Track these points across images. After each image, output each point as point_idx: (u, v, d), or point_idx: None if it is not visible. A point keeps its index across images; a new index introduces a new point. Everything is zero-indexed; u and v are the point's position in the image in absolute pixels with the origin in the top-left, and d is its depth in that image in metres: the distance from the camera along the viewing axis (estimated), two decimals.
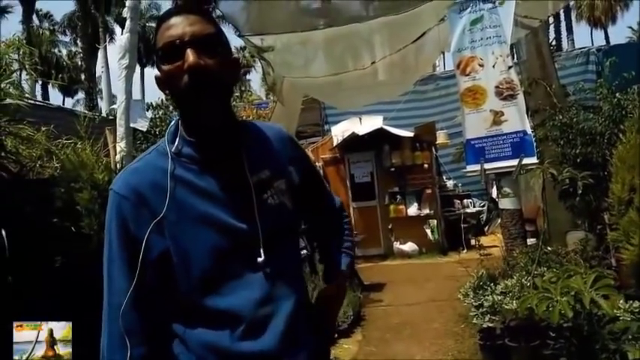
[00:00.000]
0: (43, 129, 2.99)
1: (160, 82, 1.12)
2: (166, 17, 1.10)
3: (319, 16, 6.35)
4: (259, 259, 1.11)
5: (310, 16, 6.39)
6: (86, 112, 11.58)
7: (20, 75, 3.22)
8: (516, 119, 4.57)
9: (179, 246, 1.09)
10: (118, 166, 3.02)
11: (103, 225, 2.59)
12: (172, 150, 1.13)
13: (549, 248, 4.24)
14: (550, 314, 2.73)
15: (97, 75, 30.00)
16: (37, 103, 7.16)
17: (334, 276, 1.40)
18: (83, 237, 2.48)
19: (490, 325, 3.66)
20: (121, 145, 3.13)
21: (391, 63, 6.27)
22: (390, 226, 9.40)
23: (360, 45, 6.16)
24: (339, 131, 9.99)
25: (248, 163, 1.15)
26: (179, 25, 1.07)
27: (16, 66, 3.04)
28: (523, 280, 3.55)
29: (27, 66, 2.93)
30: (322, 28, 6.00)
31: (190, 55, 1.04)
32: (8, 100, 2.41)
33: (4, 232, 2.03)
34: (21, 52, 3.09)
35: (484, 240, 9.21)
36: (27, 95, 2.93)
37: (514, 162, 4.53)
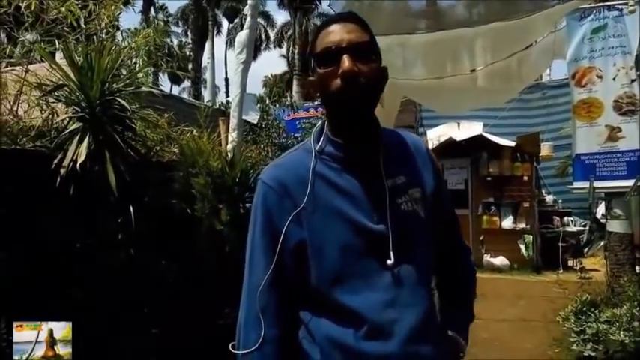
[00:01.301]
0: (166, 115, 3.23)
1: (313, 85, 1.20)
2: (326, 25, 1.18)
3: (423, 18, 6.24)
4: (389, 262, 1.13)
5: (414, 17, 6.30)
6: (193, 100, 12.28)
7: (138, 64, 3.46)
8: (635, 137, 4.28)
9: (314, 238, 1.15)
10: (230, 155, 3.18)
11: (213, 210, 2.77)
12: (316, 148, 1.20)
13: None
14: None
15: (202, 65, 31.63)
16: (164, 92, 7.73)
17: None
18: (195, 220, 2.66)
19: (591, 353, 3.45)
20: (232, 136, 3.30)
21: (493, 70, 6.04)
22: (481, 238, 9.06)
23: (464, 50, 5.98)
24: (435, 135, 9.79)
25: (385, 167, 1.19)
26: (337, 33, 1.14)
27: (145, 57, 3.31)
28: (634, 311, 3.30)
29: (159, 57, 3.17)
30: (426, 31, 5.90)
31: (346, 61, 1.10)
32: (143, 88, 2.63)
33: (131, 208, 2.22)
34: (138, 43, 3.34)
35: (584, 262, 8.66)
36: (157, 84, 3.18)
37: (629, 182, 4.24)
